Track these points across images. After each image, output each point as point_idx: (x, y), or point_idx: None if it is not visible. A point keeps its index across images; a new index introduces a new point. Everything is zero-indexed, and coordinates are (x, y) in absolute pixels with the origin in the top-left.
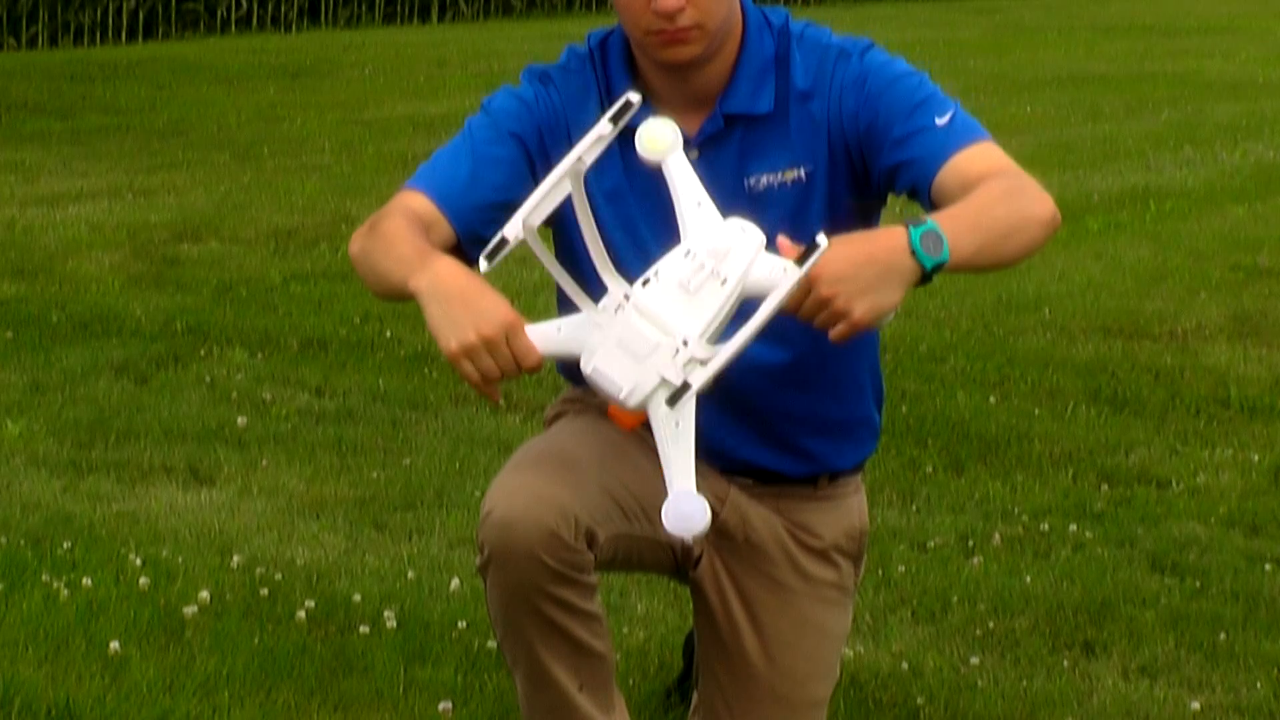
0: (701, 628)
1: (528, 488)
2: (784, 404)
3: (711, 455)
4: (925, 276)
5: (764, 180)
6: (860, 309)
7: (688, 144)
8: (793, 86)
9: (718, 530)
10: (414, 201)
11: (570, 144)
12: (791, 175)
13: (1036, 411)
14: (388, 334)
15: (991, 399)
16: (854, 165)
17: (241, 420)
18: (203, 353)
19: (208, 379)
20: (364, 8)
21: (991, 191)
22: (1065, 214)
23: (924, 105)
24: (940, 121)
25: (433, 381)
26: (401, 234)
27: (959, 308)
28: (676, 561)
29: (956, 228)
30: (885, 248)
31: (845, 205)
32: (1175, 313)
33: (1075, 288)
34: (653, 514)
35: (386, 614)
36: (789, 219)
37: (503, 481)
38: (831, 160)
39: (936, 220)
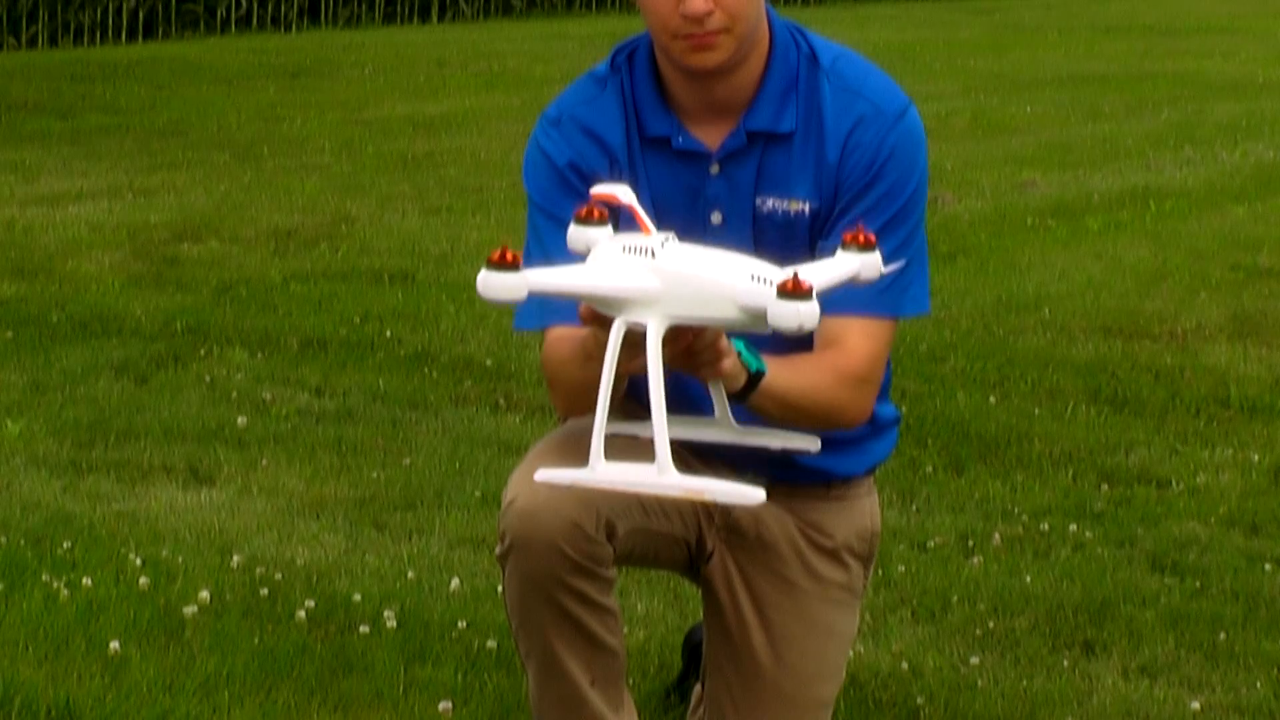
0: (711, 625)
1: None
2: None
3: (721, 454)
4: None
5: (770, 203)
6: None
7: (709, 158)
8: (816, 120)
9: (730, 527)
10: (554, 335)
11: (607, 155)
12: (796, 206)
13: (1036, 411)
14: (388, 334)
15: (991, 399)
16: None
17: (241, 420)
18: (203, 353)
19: (208, 379)
20: (364, 8)
21: (825, 384)
22: (1065, 214)
23: (889, 237)
24: (885, 269)
25: (433, 381)
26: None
27: (959, 308)
28: (690, 558)
29: (779, 382)
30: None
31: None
32: (1175, 313)
33: (1075, 288)
34: (669, 509)
35: (386, 614)
36: (781, 247)
37: (525, 471)
38: (832, 198)
39: (769, 366)
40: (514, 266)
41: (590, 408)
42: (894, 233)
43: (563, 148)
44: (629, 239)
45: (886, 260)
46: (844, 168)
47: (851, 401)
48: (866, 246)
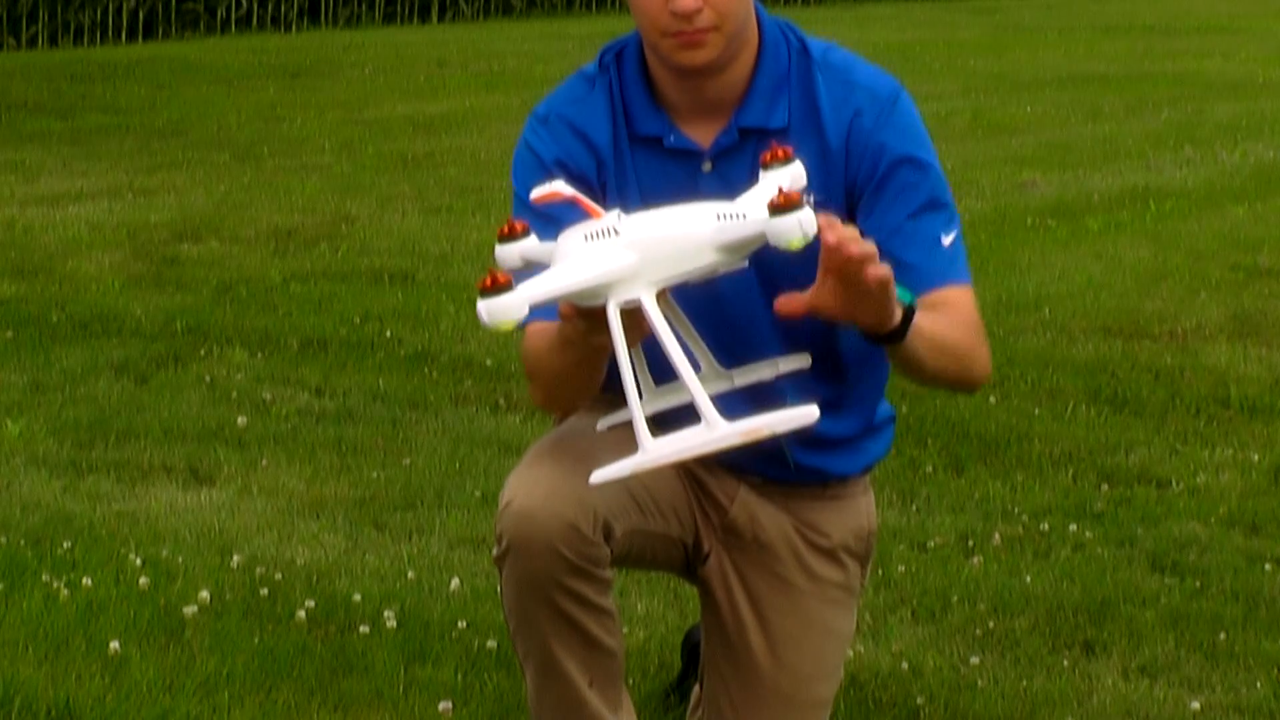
0: (708, 625)
1: (548, 480)
2: None
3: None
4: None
5: None
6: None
7: (701, 156)
8: (813, 112)
9: (726, 527)
10: (532, 330)
11: (594, 155)
12: None
13: (1036, 411)
14: (388, 334)
15: (991, 399)
16: (849, 209)
17: (241, 420)
18: (203, 353)
19: (208, 379)
20: (364, 8)
21: (961, 330)
22: (1065, 214)
23: (934, 212)
24: (945, 241)
25: (433, 381)
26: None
27: None
28: (687, 558)
29: (925, 321)
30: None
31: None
32: (1175, 313)
33: (1075, 288)
34: (666, 509)
35: (386, 614)
36: None
37: (522, 473)
38: (841, 196)
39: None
40: (507, 288)
41: (570, 400)
42: (936, 211)
43: (551, 146)
44: (585, 227)
45: (940, 235)
46: (851, 162)
47: (982, 352)
48: (787, 160)
